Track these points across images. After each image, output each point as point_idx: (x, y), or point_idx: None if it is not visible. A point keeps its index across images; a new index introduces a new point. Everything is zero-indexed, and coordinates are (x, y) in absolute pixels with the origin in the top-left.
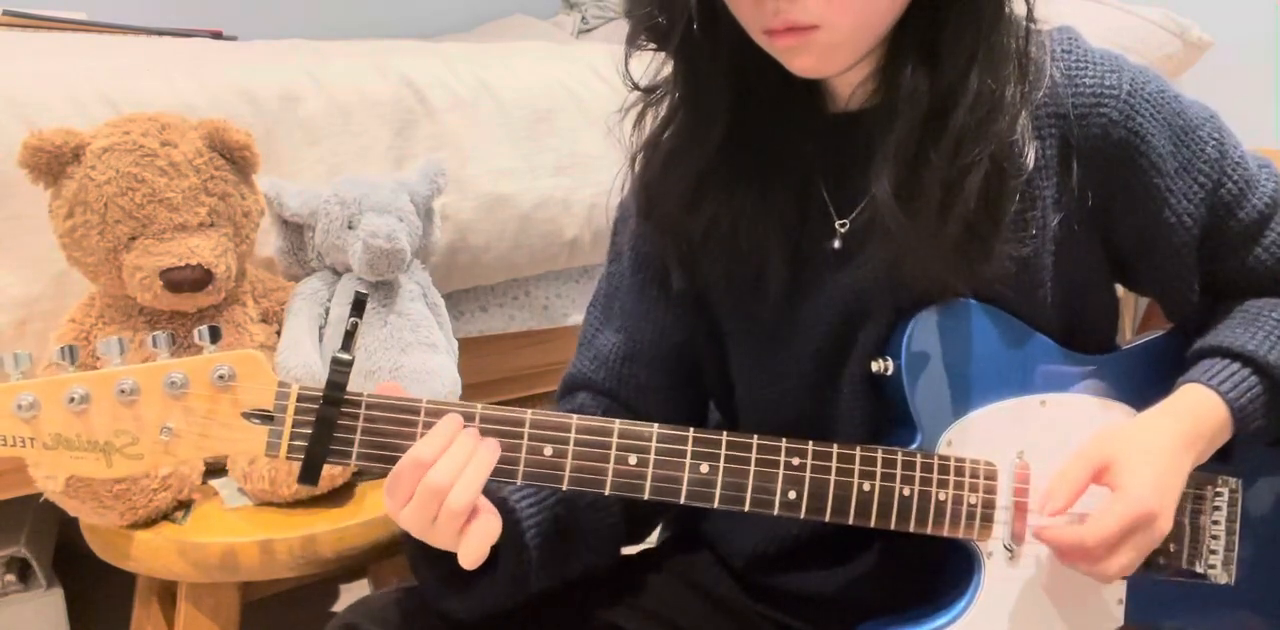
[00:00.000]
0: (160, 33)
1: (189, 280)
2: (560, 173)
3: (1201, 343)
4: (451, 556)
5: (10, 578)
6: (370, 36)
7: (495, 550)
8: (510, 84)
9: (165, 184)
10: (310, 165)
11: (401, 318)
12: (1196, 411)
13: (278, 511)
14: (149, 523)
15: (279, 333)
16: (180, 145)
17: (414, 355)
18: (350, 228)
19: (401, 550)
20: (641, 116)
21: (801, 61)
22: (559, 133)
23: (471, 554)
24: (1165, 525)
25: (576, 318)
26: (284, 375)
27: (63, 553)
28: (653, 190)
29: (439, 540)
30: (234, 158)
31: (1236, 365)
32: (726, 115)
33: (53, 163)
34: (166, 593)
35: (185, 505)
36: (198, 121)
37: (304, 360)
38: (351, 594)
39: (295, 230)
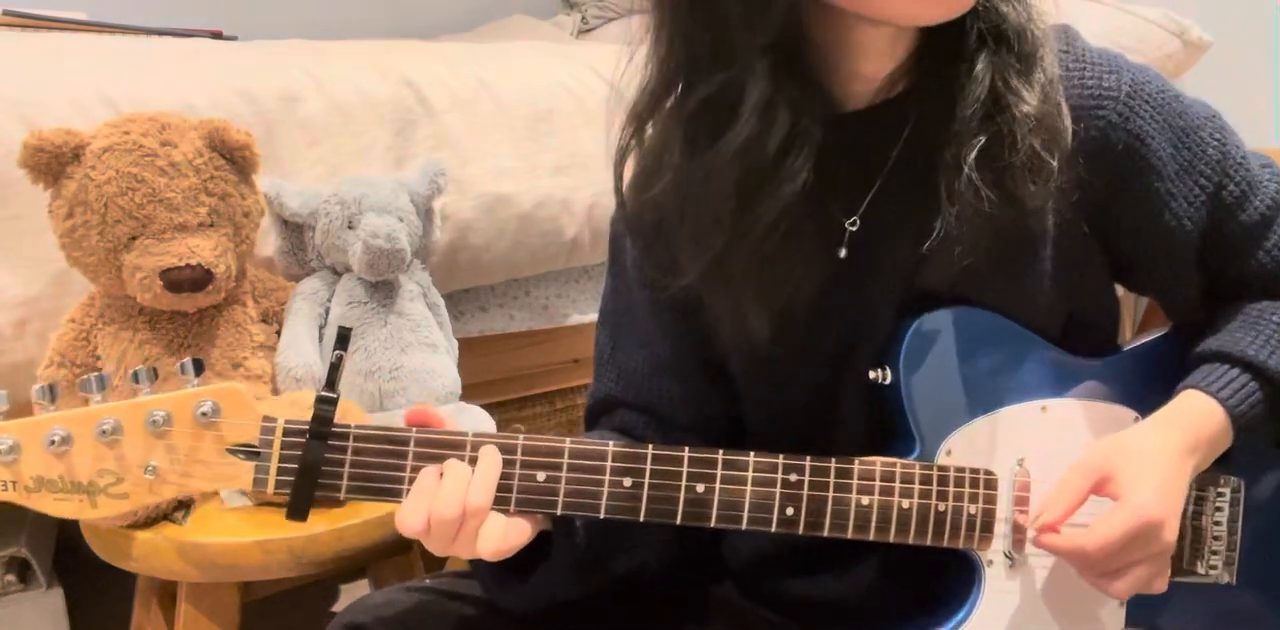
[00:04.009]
0: (160, 33)
1: (189, 280)
2: (560, 173)
3: (1202, 347)
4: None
5: (10, 578)
6: (370, 36)
7: (549, 539)
8: (510, 84)
9: (165, 184)
10: (310, 165)
11: (401, 318)
12: (1195, 419)
13: (277, 512)
14: (149, 523)
15: (279, 333)
16: (180, 145)
17: (414, 355)
18: (350, 228)
19: (400, 550)
20: (626, 152)
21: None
22: (559, 133)
23: (490, 545)
24: (1171, 535)
25: (577, 318)
26: (284, 375)
27: (63, 553)
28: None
29: (462, 552)
30: (234, 158)
31: (1236, 371)
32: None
33: (53, 163)
34: (166, 593)
35: (185, 505)
36: (198, 121)
37: (304, 360)
38: (351, 594)
39: (295, 230)
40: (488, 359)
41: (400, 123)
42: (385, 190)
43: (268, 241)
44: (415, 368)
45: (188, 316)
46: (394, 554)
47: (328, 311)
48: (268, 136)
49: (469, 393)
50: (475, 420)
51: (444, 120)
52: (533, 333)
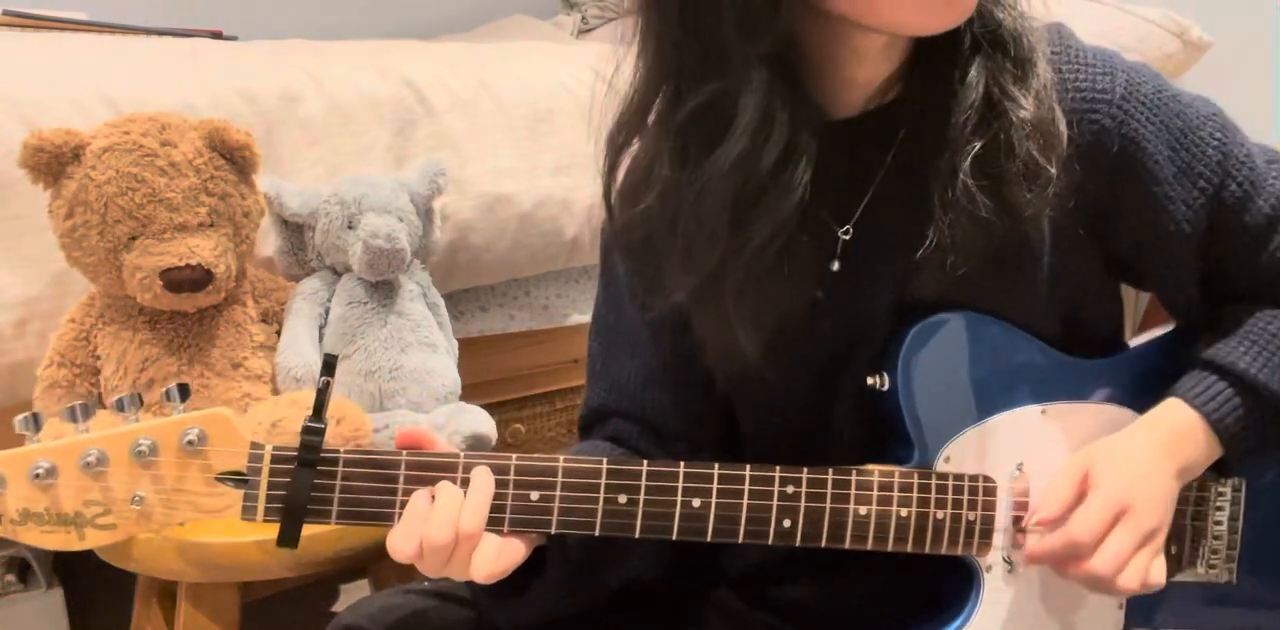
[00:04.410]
0: (160, 33)
1: (189, 280)
2: (560, 172)
3: (1195, 352)
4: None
5: (10, 578)
6: (370, 36)
7: (543, 556)
8: (510, 84)
9: (165, 184)
10: (310, 165)
11: (401, 318)
12: (1175, 425)
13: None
14: None
15: (279, 333)
16: (180, 145)
17: (414, 355)
18: (350, 228)
19: None
20: (615, 164)
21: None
22: (559, 133)
23: (484, 569)
24: (1148, 520)
25: (577, 317)
26: (284, 375)
27: (63, 553)
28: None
29: (456, 575)
30: (234, 158)
31: (1224, 384)
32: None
33: (53, 163)
34: (166, 593)
35: None
36: (198, 121)
37: (304, 360)
38: (351, 594)
39: (295, 230)
40: (488, 359)
41: (400, 123)
42: (385, 190)
43: (268, 241)
44: (415, 368)
45: (188, 316)
46: None
47: (328, 311)
48: (268, 136)
49: (469, 393)
50: (475, 420)
51: (444, 120)
52: (533, 333)
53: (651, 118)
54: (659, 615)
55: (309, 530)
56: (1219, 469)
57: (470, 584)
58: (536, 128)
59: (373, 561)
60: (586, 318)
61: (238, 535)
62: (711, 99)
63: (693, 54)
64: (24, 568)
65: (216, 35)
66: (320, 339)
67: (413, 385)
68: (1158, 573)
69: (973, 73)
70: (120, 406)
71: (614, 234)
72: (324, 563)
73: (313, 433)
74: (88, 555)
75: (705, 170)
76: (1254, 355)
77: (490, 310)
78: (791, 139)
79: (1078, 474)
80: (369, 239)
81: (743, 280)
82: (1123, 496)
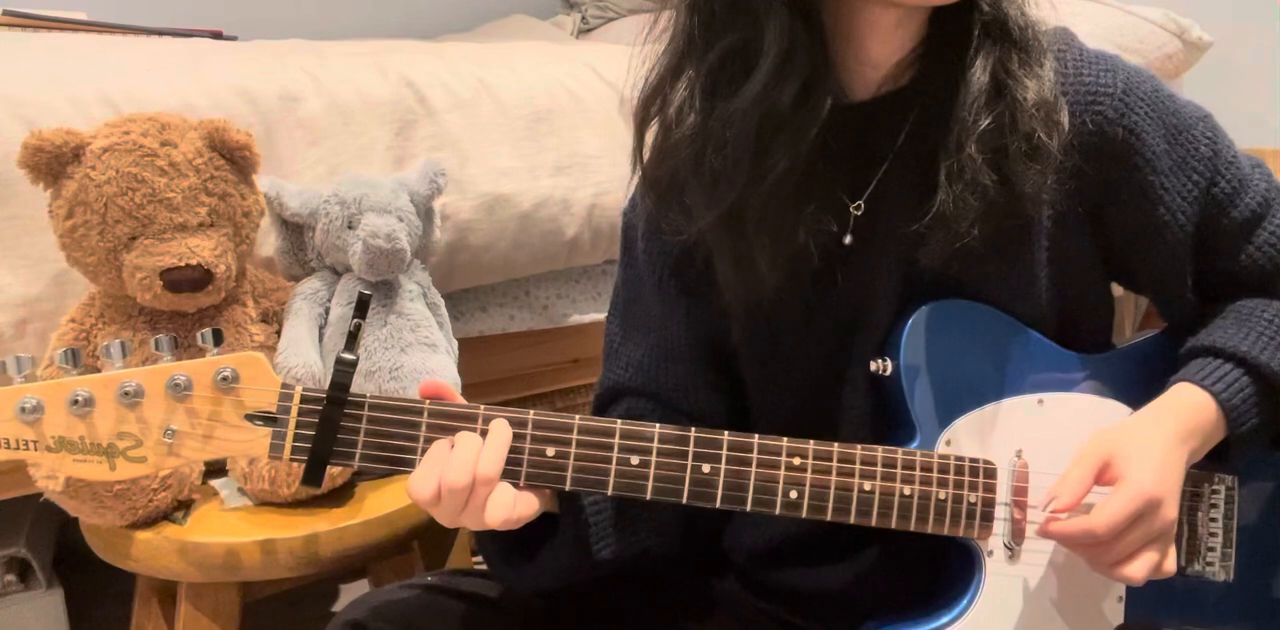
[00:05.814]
0: (160, 33)
1: (189, 280)
2: (560, 173)
3: (1193, 342)
4: (514, 530)
5: (10, 578)
6: (370, 36)
7: (556, 521)
8: (510, 84)
9: (165, 184)
10: (310, 165)
11: (401, 318)
12: (1188, 409)
13: (277, 511)
14: (149, 523)
15: (279, 333)
16: (180, 145)
17: (414, 355)
18: (350, 228)
19: (400, 550)
20: (644, 125)
21: None
22: (559, 133)
23: (499, 514)
24: (1171, 513)
25: (577, 317)
26: (284, 375)
27: (63, 553)
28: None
29: (471, 522)
30: (234, 158)
31: (1229, 366)
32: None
33: (53, 163)
34: (166, 593)
35: (185, 505)
36: (198, 121)
37: (304, 360)
38: (351, 594)
39: (295, 230)
40: (488, 359)
41: (400, 123)
42: (385, 190)
43: (268, 241)
44: (415, 367)
45: (188, 316)
46: (394, 554)
47: (328, 311)
48: (268, 136)
49: (469, 393)
50: None
51: (444, 120)
52: (533, 333)
53: (688, 69)
54: (665, 605)
55: (309, 530)
56: (1215, 459)
57: (484, 546)
58: (536, 128)
59: (372, 561)
60: (586, 318)
61: (238, 535)
62: (739, 42)
63: (722, 4)
64: (24, 568)
65: (216, 35)
66: (320, 339)
67: (413, 385)
68: (1169, 563)
69: (982, 56)
70: (158, 346)
71: (643, 173)
72: (324, 563)
73: (345, 364)
74: (88, 555)
75: (732, 105)
76: (1254, 339)
77: (490, 310)
78: (810, 76)
79: (1097, 461)
80: (369, 239)
81: (763, 209)
82: (1148, 490)
